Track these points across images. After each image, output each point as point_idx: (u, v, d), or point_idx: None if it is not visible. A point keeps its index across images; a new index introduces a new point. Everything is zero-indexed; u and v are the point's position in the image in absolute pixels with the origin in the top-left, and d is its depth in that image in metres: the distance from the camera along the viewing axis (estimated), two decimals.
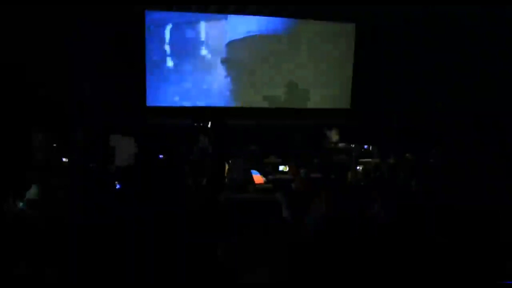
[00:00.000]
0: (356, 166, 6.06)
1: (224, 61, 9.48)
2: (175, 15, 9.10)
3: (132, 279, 1.96)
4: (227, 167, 4.67)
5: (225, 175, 4.43)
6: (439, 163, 6.05)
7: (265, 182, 4.67)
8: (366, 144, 7.44)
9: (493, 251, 2.38)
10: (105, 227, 2.32)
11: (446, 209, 2.93)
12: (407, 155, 6.45)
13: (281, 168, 5.79)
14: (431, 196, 3.42)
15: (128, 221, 2.35)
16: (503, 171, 4.39)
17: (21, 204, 3.11)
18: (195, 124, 6.79)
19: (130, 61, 8.73)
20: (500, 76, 7.64)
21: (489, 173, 4.19)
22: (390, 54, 9.20)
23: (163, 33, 9.08)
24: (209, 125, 6.58)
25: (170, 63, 9.25)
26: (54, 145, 5.44)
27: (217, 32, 9.36)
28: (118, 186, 3.96)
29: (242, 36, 9.46)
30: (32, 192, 3.11)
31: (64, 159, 5.31)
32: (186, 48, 9.24)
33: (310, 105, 10.13)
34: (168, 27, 9.10)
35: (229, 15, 9.35)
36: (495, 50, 7.64)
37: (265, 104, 9.85)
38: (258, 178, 4.68)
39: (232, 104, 9.65)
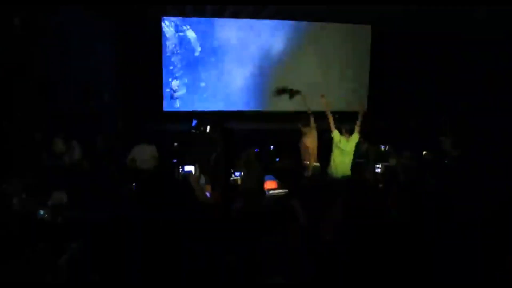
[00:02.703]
0: (374, 168, 6.01)
1: (241, 65, 9.59)
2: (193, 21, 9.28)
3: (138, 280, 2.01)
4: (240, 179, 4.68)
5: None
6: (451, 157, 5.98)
7: (278, 187, 4.65)
8: (382, 145, 7.38)
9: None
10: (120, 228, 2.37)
11: (459, 209, 2.94)
12: (424, 153, 6.39)
13: None
14: (445, 196, 3.40)
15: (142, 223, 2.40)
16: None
17: (41, 212, 3.17)
18: (193, 131, 6.81)
19: (148, 66, 8.91)
20: None
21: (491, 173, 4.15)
22: (406, 55, 9.13)
23: (180, 39, 9.25)
24: (207, 130, 6.60)
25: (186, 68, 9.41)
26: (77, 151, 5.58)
27: (235, 36, 9.49)
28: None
29: (257, 40, 9.57)
30: (56, 197, 3.18)
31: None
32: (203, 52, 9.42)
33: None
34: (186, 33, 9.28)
35: (245, 19, 9.43)
36: None
37: (282, 108, 9.88)
38: (272, 183, 4.68)
39: (248, 108, 9.73)
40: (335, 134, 5.62)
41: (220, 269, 2.20)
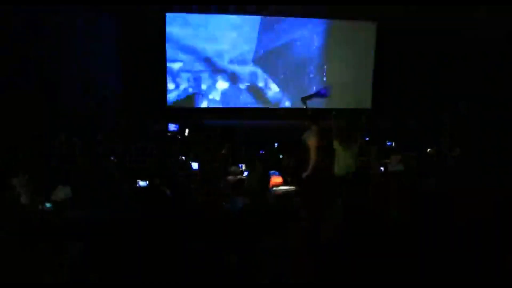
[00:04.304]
0: (378, 167, 5.97)
1: (247, 63, 9.56)
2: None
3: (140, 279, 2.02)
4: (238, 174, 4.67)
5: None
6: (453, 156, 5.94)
7: (283, 182, 4.64)
8: (389, 142, 7.36)
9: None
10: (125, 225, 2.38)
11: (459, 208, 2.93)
12: (428, 150, 6.35)
13: None
14: (445, 196, 3.39)
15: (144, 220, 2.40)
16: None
17: (47, 205, 3.20)
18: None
19: (151, 62, 8.91)
20: None
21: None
22: (411, 53, 9.08)
23: (184, 35, 9.24)
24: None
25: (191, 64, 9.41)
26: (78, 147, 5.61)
27: (238, 35, 9.45)
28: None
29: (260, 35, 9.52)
30: (58, 193, 3.20)
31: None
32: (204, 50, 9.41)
33: (330, 105, 10.07)
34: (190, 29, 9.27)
35: (248, 16, 9.41)
36: None
37: (284, 105, 9.87)
38: (277, 178, 4.67)
39: (252, 105, 9.72)
40: (335, 143, 5.50)
41: (220, 269, 2.21)
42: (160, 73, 9.12)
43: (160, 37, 8.97)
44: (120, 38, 8.60)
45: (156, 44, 8.92)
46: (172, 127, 7.46)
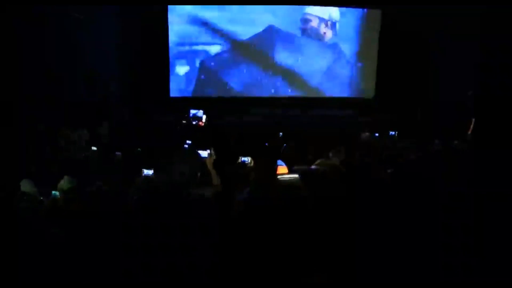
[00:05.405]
0: (380, 157, 5.95)
1: (245, 50, 9.48)
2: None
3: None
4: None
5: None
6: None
7: (289, 172, 4.62)
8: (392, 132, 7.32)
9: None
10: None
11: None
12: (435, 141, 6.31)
13: None
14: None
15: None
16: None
17: (53, 193, 3.20)
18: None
19: (153, 53, 8.84)
20: None
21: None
22: (416, 41, 8.99)
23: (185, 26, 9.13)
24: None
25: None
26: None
27: (237, 21, 9.33)
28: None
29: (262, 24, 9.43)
30: (64, 183, 3.19)
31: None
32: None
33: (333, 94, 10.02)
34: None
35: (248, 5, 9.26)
36: None
37: (287, 93, 9.81)
38: (282, 168, 4.65)
39: (254, 94, 9.66)
40: None
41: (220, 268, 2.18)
42: (163, 64, 9.06)
43: (163, 27, 8.90)
44: (121, 29, 8.54)
45: (159, 34, 8.86)
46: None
